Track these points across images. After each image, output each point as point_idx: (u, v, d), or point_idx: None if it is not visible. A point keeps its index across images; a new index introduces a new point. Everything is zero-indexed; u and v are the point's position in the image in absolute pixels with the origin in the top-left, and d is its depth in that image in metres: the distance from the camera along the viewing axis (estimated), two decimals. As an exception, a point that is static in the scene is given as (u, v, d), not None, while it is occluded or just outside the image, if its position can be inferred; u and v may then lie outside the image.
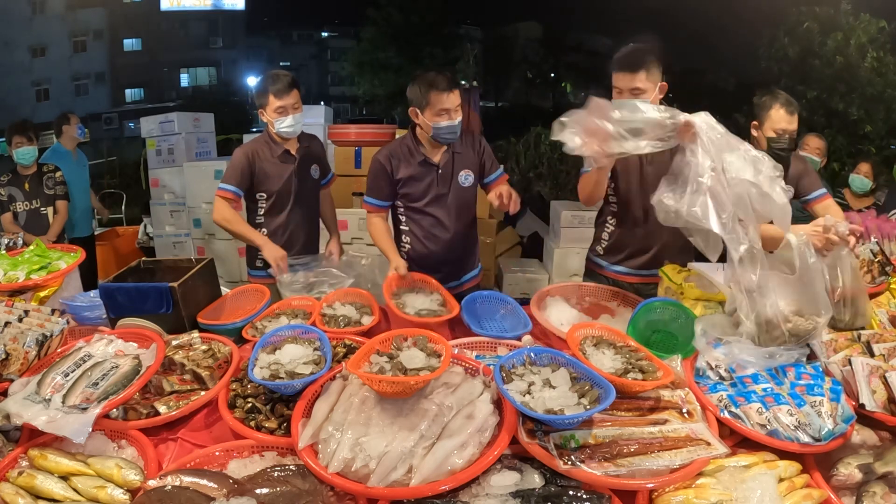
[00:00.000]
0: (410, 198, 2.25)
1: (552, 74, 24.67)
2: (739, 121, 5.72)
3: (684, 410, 1.28)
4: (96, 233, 5.22)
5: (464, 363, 1.42)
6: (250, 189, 2.40)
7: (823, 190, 2.20)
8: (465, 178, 2.25)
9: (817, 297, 1.48)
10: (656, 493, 1.12)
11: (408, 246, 2.31)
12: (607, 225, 2.25)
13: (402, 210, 2.30)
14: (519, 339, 1.69)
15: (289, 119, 2.31)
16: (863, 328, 1.60)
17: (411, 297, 1.96)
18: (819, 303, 1.48)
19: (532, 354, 1.37)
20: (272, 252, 2.26)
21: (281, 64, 28.40)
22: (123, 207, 6.80)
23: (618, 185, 2.12)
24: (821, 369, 1.42)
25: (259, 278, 2.40)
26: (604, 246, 2.26)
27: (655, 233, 2.10)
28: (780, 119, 2.17)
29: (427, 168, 2.21)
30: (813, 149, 3.46)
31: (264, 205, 2.43)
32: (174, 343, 1.62)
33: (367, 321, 1.83)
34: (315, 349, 1.49)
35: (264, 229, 2.43)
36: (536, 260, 4.93)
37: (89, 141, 4.35)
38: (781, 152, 2.15)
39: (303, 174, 2.47)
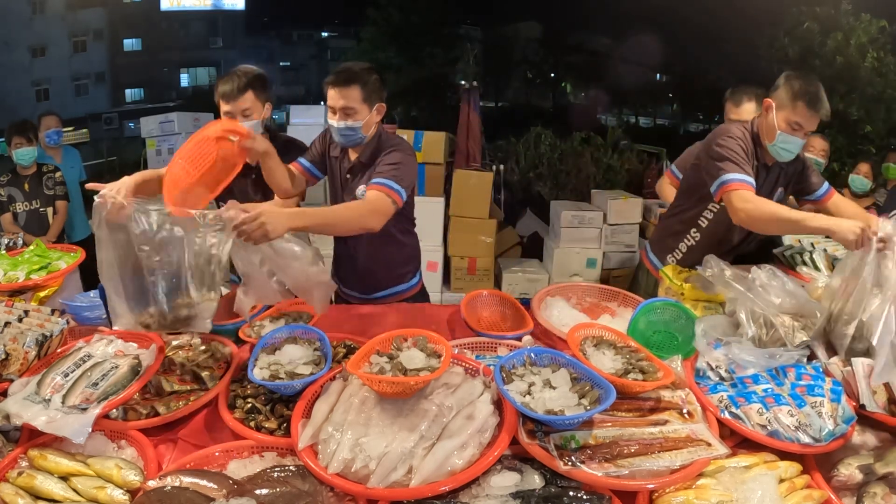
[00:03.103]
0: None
1: (552, 74, 24.68)
2: (739, 121, 5.72)
3: (685, 411, 1.27)
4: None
5: (464, 363, 1.42)
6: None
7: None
8: (362, 193, 1.97)
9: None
10: (657, 494, 1.12)
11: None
12: (689, 235, 2.24)
13: None
14: (519, 339, 1.69)
15: None
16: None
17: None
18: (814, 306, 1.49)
19: (532, 355, 1.37)
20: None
21: (281, 64, 28.43)
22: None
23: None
24: (821, 370, 1.42)
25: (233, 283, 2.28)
26: (678, 257, 2.27)
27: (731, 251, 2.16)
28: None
29: (334, 169, 2.08)
30: (818, 150, 3.43)
31: None
32: (174, 343, 1.62)
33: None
34: (315, 349, 1.49)
35: None
36: (536, 260, 4.94)
37: (89, 141, 4.34)
38: None
39: (264, 187, 2.08)
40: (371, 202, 1.80)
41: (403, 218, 2.13)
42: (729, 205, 1.88)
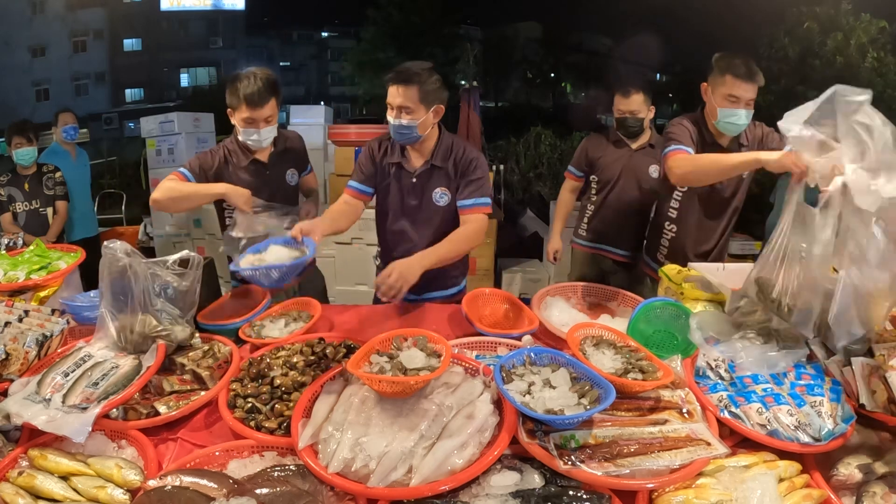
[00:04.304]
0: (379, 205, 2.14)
1: (552, 74, 24.71)
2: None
3: (684, 410, 1.28)
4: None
5: (464, 363, 1.42)
6: (219, 200, 2.16)
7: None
8: (441, 196, 2.05)
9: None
10: (656, 494, 1.12)
11: (377, 261, 2.24)
12: (665, 230, 2.25)
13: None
14: (519, 338, 1.69)
15: (255, 135, 2.03)
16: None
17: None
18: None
19: (532, 354, 1.37)
20: (238, 195, 1.95)
21: (281, 64, 28.44)
22: (123, 207, 6.80)
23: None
24: (821, 369, 1.42)
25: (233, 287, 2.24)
26: (664, 253, 2.29)
27: None
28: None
29: (394, 174, 2.05)
30: None
31: None
32: (174, 343, 1.62)
33: None
34: (300, 253, 1.53)
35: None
36: (536, 260, 4.94)
37: (89, 141, 4.34)
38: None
39: (277, 184, 2.17)
40: (478, 223, 1.99)
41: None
42: (668, 171, 1.99)
